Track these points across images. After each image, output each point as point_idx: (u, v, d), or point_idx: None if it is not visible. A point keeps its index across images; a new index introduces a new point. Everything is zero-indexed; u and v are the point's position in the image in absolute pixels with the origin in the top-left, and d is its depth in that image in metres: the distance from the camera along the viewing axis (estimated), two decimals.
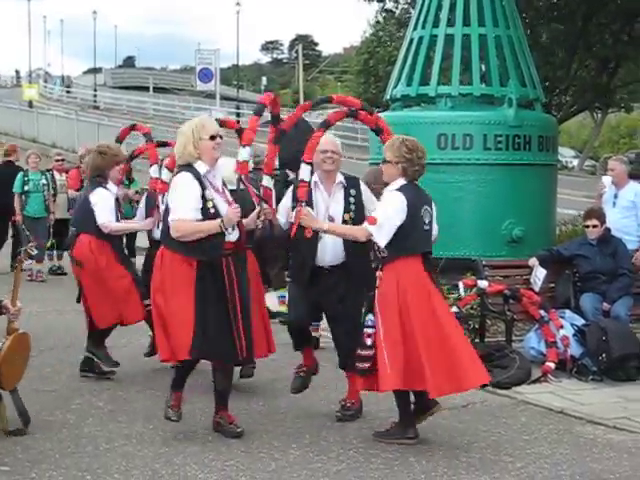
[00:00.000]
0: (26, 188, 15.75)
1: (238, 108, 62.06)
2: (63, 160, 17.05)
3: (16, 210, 15.90)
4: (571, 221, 16.37)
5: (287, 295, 8.35)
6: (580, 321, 9.80)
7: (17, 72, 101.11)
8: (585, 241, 10.37)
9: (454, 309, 9.65)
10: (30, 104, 58.45)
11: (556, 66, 23.38)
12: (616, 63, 23.84)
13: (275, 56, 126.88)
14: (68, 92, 78.55)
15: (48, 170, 16.33)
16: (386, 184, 7.30)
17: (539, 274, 10.20)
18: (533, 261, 10.32)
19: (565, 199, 20.05)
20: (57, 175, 16.36)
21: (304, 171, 7.49)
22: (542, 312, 9.80)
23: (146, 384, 8.72)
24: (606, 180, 11.75)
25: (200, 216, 7.01)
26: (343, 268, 7.62)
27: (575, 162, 50.34)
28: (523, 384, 8.99)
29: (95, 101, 72.50)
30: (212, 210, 7.04)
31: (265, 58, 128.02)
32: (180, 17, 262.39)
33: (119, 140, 9.78)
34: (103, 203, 8.90)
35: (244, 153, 7.66)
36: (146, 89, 78.46)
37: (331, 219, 7.55)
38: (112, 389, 8.65)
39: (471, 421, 7.79)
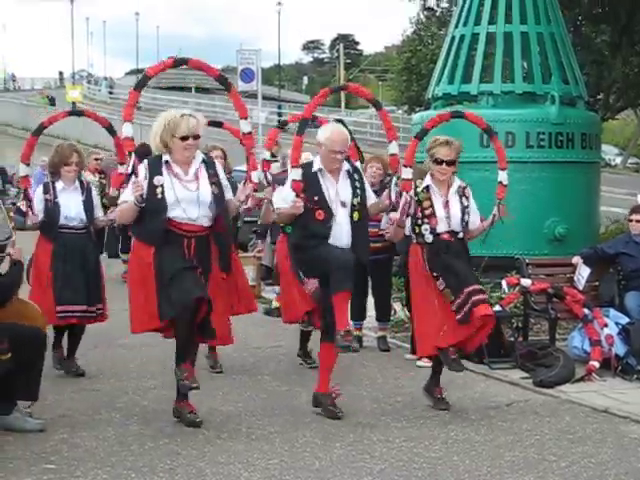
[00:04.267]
0: None
1: (280, 108, 62.16)
2: (98, 160, 17.01)
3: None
4: (615, 219, 16.26)
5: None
6: (624, 319, 9.73)
7: (61, 73, 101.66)
8: (629, 239, 10.29)
9: (497, 308, 9.63)
10: (74, 106, 58.77)
11: (599, 63, 23.22)
12: None
13: (316, 55, 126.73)
14: (111, 93, 79.01)
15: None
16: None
17: (583, 272, 10.14)
18: (577, 259, 10.26)
19: (608, 197, 19.92)
20: (90, 176, 16.36)
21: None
22: (586, 311, 9.74)
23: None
24: None
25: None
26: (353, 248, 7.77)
27: (619, 160, 49.97)
28: (567, 383, 8.95)
29: (137, 102, 72.73)
30: (159, 196, 7.27)
31: (306, 58, 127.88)
32: (222, 17, 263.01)
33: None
34: None
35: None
36: (188, 89, 78.75)
37: (343, 204, 7.71)
38: (157, 388, 8.69)
39: (515, 420, 7.76)
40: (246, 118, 7.76)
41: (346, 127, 8.30)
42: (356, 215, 7.76)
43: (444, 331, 7.88)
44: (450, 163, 8.03)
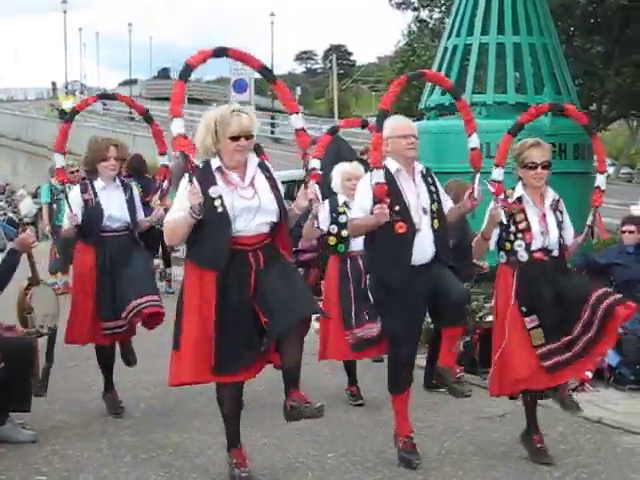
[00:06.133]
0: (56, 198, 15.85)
1: (273, 118, 62.16)
2: (77, 171, 17.01)
3: (44, 219, 16.16)
4: (607, 229, 16.26)
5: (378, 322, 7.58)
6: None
7: (54, 84, 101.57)
8: (622, 249, 10.31)
9: (490, 318, 9.61)
10: (62, 113, 58.37)
11: (592, 74, 23.29)
12: None
13: (309, 66, 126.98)
14: (104, 104, 78.95)
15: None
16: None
17: None
18: None
19: (601, 207, 19.91)
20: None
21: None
22: None
23: (182, 395, 8.72)
24: None
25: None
26: (436, 263, 6.88)
27: (611, 170, 50.01)
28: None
29: (130, 112, 72.68)
30: (219, 209, 6.11)
31: (299, 68, 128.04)
32: (214, 28, 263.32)
33: None
34: None
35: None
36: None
37: (425, 211, 6.85)
38: (150, 399, 8.69)
39: (508, 431, 7.75)
40: (298, 113, 6.56)
41: (342, 139, 8.12)
42: (436, 223, 6.89)
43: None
44: (545, 166, 7.08)
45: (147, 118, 8.58)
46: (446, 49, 13.59)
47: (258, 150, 6.81)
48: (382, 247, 6.83)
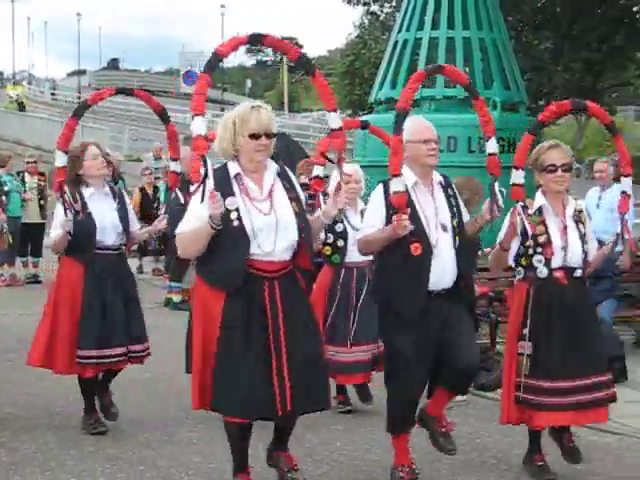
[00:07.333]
0: (5, 189, 15.73)
1: (223, 110, 61.97)
2: (34, 162, 16.94)
3: None
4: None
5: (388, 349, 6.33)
6: None
7: (1, 73, 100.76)
8: None
9: None
10: (21, 106, 57.59)
11: (540, 69, 23.47)
12: (600, 66, 23.97)
13: (260, 58, 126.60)
14: (53, 94, 78.29)
15: (19, 173, 16.38)
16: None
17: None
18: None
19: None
20: (28, 177, 16.37)
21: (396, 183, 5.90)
22: None
23: (128, 389, 8.66)
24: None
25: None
26: (455, 290, 6.14)
27: None
28: None
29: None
30: (235, 223, 5.43)
31: (250, 61, 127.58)
32: (165, 19, 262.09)
33: None
34: None
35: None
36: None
37: (444, 228, 6.07)
38: None
39: (456, 424, 7.78)
40: (335, 110, 5.82)
41: (292, 140, 7.80)
42: (458, 241, 6.15)
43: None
44: (566, 169, 6.41)
45: (163, 117, 7.64)
46: (396, 43, 13.64)
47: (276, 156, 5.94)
48: (395, 271, 6.02)
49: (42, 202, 16.45)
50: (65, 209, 7.13)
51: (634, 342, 10.91)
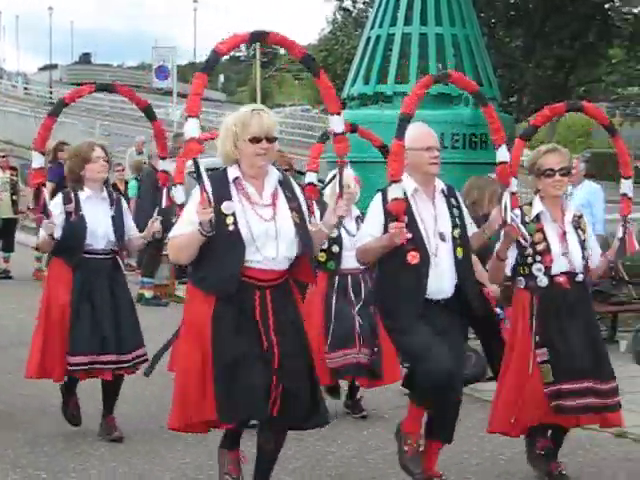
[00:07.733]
0: None
1: None
2: (5, 157, 16.85)
3: None
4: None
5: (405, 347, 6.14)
6: None
7: None
8: None
9: None
10: None
11: (512, 66, 23.57)
12: (572, 63, 24.10)
13: (232, 53, 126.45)
14: (26, 89, 77.91)
15: None
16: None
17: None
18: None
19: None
20: (0, 172, 16.31)
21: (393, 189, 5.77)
22: (498, 310, 9.83)
23: (100, 386, 8.61)
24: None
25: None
26: (457, 299, 6.01)
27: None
28: (478, 382, 9.02)
29: (51, 98, 71.97)
30: (231, 228, 5.23)
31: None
32: (138, 14, 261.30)
33: None
34: None
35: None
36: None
37: (442, 237, 5.91)
38: None
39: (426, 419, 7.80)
40: (339, 114, 5.63)
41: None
42: (459, 251, 5.94)
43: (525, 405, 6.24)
44: (564, 172, 6.28)
45: (149, 114, 7.34)
46: (369, 39, 13.64)
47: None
48: (392, 279, 5.94)
49: (14, 197, 16.37)
50: (42, 212, 6.99)
51: (605, 338, 10.96)
